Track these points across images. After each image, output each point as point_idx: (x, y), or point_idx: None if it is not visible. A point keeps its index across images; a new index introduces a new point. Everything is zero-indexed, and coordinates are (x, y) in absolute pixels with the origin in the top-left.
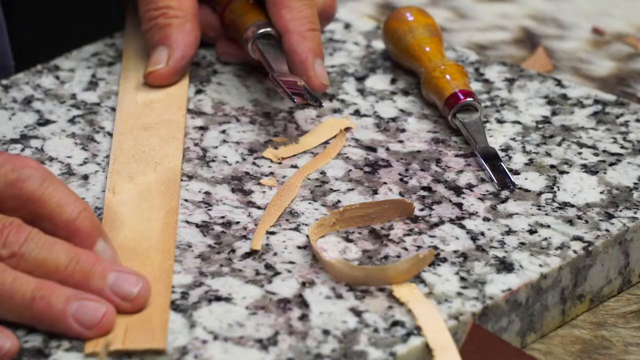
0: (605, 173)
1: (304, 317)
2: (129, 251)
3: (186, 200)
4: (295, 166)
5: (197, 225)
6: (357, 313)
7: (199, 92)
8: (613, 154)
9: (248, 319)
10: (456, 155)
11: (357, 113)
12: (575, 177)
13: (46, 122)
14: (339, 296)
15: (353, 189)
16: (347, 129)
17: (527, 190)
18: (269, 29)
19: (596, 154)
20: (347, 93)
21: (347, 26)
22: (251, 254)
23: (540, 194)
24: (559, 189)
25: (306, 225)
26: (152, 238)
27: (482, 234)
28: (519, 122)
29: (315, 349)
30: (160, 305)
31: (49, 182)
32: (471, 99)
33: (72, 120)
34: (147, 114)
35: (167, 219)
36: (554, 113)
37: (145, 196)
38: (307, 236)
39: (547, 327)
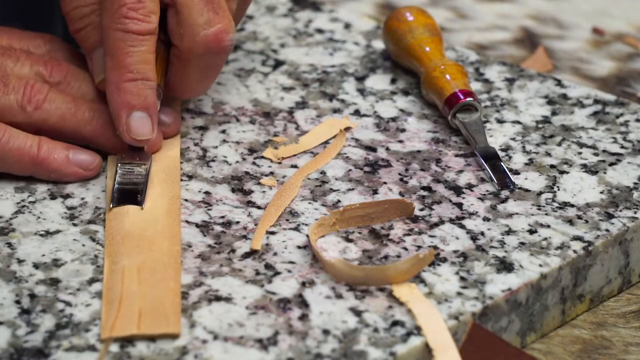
0: (605, 173)
1: (304, 317)
2: (136, 238)
3: (186, 200)
4: (295, 166)
5: (197, 225)
6: (357, 313)
7: None
8: (613, 154)
9: (248, 318)
10: (456, 155)
11: (357, 113)
12: (575, 177)
13: None
14: (339, 296)
15: (353, 189)
16: (347, 129)
17: (527, 190)
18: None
19: (596, 154)
20: (347, 93)
21: (347, 26)
22: (251, 253)
23: (540, 193)
24: (559, 189)
25: (306, 225)
26: (158, 224)
27: (482, 233)
28: (519, 122)
29: (315, 349)
30: (172, 290)
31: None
32: (471, 99)
33: None
34: None
35: (170, 206)
36: (554, 113)
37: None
38: (307, 236)
39: (547, 327)
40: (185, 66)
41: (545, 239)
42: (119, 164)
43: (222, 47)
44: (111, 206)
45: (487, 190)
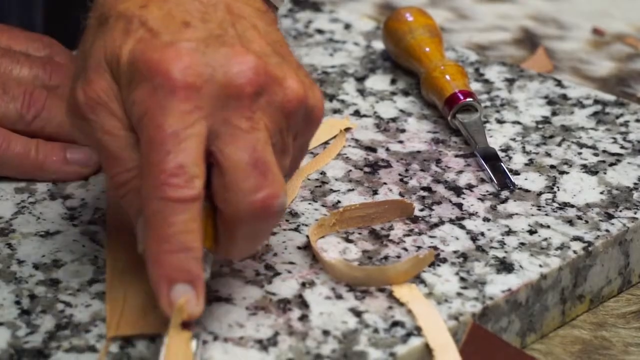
0: (605, 173)
1: (304, 318)
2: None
3: None
4: None
5: None
6: (357, 313)
7: None
8: (613, 154)
9: (248, 319)
10: (456, 156)
11: (357, 113)
12: (575, 178)
13: None
14: (339, 296)
15: (353, 190)
16: (347, 130)
17: (527, 191)
18: None
19: (596, 154)
20: (347, 93)
21: (347, 26)
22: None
23: (540, 194)
24: (559, 189)
25: (306, 225)
26: None
27: (482, 234)
28: (519, 123)
29: (315, 350)
30: None
31: None
32: (471, 99)
33: None
34: None
35: None
36: (554, 113)
37: None
38: (307, 236)
39: (547, 328)
40: (231, 231)
41: (545, 239)
42: (165, 338)
43: (271, 214)
44: None
45: (487, 191)
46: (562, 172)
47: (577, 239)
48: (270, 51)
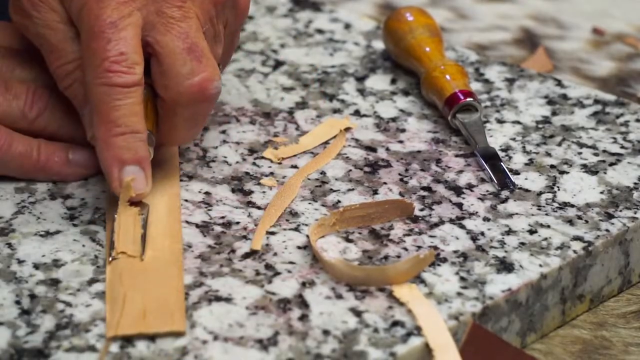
0: (605, 173)
1: (304, 317)
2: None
3: (186, 200)
4: (295, 166)
5: (197, 226)
6: (357, 313)
7: None
8: (613, 154)
9: (248, 319)
10: (456, 156)
11: (357, 113)
12: (575, 177)
13: None
14: (339, 296)
15: (353, 189)
16: (347, 129)
17: (527, 190)
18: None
19: (596, 154)
20: (347, 93)
21: (347, 26)
22: (251, 254)
23: (540, 194)
24: (559, 189)
25: (306, 225)
26: (159, 222)
27: (482, 234)
28: (519, 122)
29: (315, 349)
30: (175, 288)
31: None
32: (471, 99)
33: None
34: None
35: (171, 204)
36: (554, 113)
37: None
38: (307, 236)
39: (547, 327)
40: (171, 116)
41: (546, 239)
42: (115, 215)
43: (208, 96)
44: (110, 259)
45: (487, 191)
46: (562, 172)
47: (577, 238)
48: None
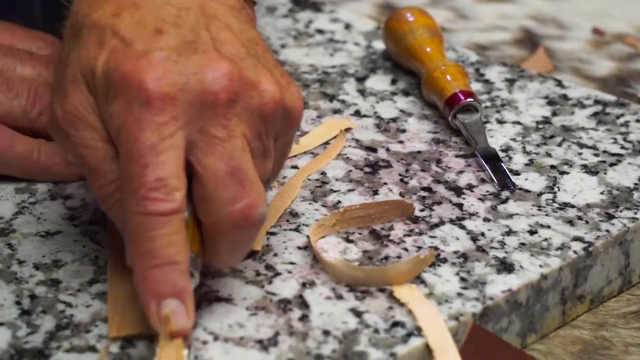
0: (605, 173)
1: (304, 318)
2: None
3: None
4: (295, 166)
5: None
6: (357, 314)
7: None
8: (613, 155)
9: (248, 319)
10: (456, 156)
11: (357, 113)
12: (575, 178)
13: None
14: (339, 297)
15: (353, 190)
16: (348, 130)
17: (527, 191)
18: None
19: (596, 155)
20: (347, 93)
21: (348, 26)
22: (251, 254)
23: (540, 194)
24: (559, 190)
25: (306, 225)
26: None
27: (483, 234)
28: (519, 123)
29: (315, 350)
30: None
31: None
32: (472, 100)
33: None
34: None
35: None
36: (554, 113)
37: None
38: (308, 237)
39: (547, 328)
40: (213, 241)
41: (546, 239)
42: (157, 349)
43: (250, 224)
44: None
45: (488, 191)
46: (562, 173)
47: (577, 239)
48: (245, 53)
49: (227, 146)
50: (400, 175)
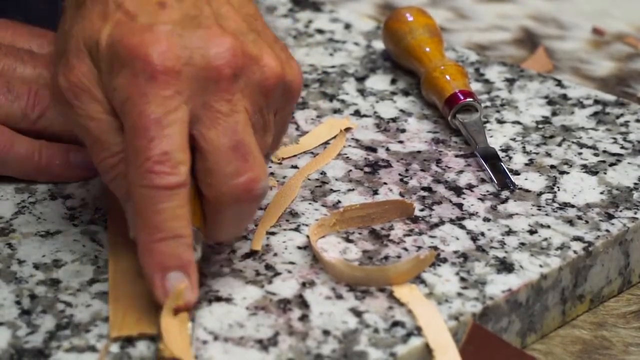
0: (605, 173)
1: (304, 318)
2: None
3: None
4: (295, 166)
5: None
6: (357, 313)
7: None
8: (613, 154)
9: (248, 319)
10: (456, 156)
11: (357, 113)
12: (575, 178)
13: None
14: (339, 296)
15: (353, 190)
16: (347, 129)
17: (527, 191)
18: None
19: (596, 154)
20: (347, 93)
21: (347, 26)
22: (251, 254)
23: (540, 194)
24: (559, 190)
25: (306, 225)
26: None
27: (483, 234)
28: (519, 123)
29: (315, 350)
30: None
31: None
32: (471, 99)
33: None
34: None
35: None
36: (554, 113)
37: None
38: (308, 236)
39: (547, 328)
40: (215, 214)
41: (546, 239)
42: (162, 323)
43: (253, 197)
44: None
45: (488, 191)
46: (562, 172)
47: (577, 239)
48: (246, 28)
49: (230, 120)
50: (400, 175)
